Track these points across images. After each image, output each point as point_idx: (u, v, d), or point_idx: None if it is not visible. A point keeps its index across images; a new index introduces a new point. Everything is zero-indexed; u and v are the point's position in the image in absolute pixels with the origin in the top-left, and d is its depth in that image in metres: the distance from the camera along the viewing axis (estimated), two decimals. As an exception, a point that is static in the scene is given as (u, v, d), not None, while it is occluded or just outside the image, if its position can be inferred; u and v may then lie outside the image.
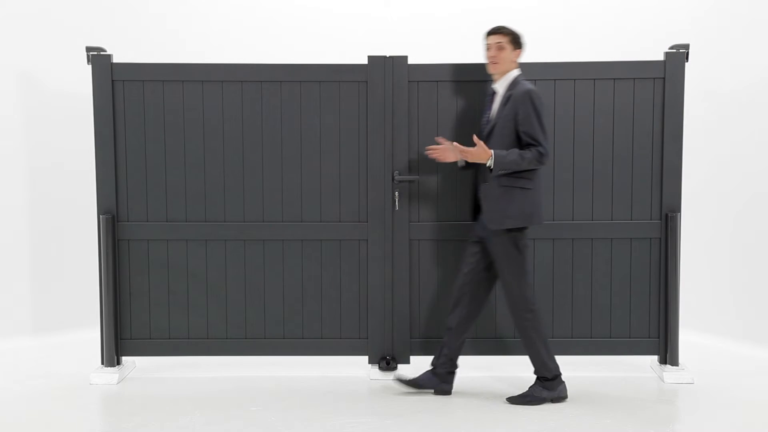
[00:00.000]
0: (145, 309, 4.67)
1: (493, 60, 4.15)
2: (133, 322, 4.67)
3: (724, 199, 5.57)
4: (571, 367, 4.77)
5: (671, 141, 4.58)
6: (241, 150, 4.63)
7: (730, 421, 3.94)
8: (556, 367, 4.19)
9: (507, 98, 4.10)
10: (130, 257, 4.64)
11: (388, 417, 3.99)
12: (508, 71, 4.17)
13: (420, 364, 4.55)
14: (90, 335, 5.40)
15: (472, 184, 4.33)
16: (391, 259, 4.61)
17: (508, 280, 4.15)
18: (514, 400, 4.19)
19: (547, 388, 4.18)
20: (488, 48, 4.18)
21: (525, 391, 4.22)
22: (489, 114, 4.21)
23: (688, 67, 4.60)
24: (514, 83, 4.14)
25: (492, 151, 4.00)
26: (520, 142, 4.07)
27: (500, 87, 4.17)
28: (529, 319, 4.16)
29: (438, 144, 4.30)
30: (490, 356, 4.74)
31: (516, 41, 4.17)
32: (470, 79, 4.60)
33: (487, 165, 4.02)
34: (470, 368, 4.74)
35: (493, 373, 4.69)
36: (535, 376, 4.23)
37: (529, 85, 4.11)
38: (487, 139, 4.13)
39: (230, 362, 4.85)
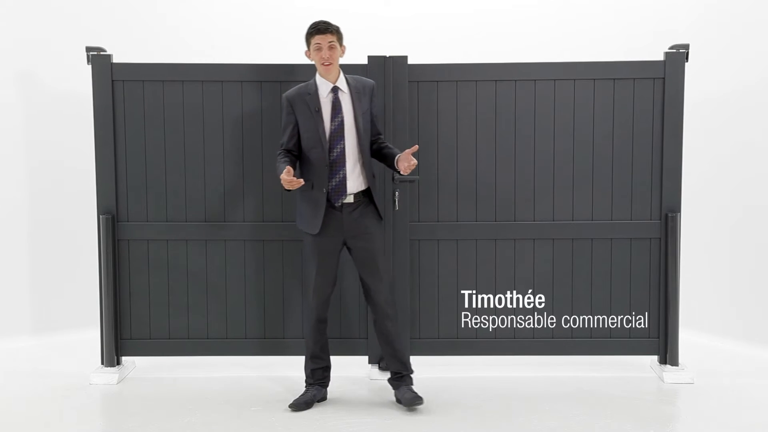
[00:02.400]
0: (145, 309, 4.67)
1: (328, 61, 3.95)
2: (133, 322, 4.68)
3: (724, 199, 5.57)
4: (571, 367, 4.78)
5: (671, 141, 4.58)
6: (241, 150, 4.63)
7: (730, 421, 3.94)
8: None
9: (360, 92, 4.04)
10: (130, 257, 4.64)
11: (388, 417, 3.99)
12: (338, 68, 4.05)
13: (420, 364, 4.54)
14: (90, 335, 5.40)
15: (323, 191, 4.00)
16: (391, 259, 4.61)
17: (386, 271, 4.10)
18: (416, 401, 4.00)
19: (412, 383, 4.16)
20: (318, 48, 3.95)
21: (414, 393, 4.06)
22: (341, 115, 3.98)
23: (688, 67, 4.60)
24: (352, 78, 4.09)
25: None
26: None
27: (342, 84, 4.03)
28: (397, 312, 4.17)
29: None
30: (489, 356, 4.75)
31: (341, 37, 4.05)
32: (470, 79, 4.60)
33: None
34: (468, 368, 4.74)
35: (491, 373, 4.69)
36: (388, 377, 4.21)
37: (367, 78, 4.17)
38: (363, 137, 4.01)
39: (230, 362, 4.85)
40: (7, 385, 4.56)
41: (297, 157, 4.12)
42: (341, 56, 4.07)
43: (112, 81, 4.57)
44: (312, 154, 4.02)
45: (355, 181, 4.02)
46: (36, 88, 5.64)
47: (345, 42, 4.10)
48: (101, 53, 4.57)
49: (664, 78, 4.56)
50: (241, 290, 4.68)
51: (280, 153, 4.10)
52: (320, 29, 3.97)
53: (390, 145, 4.19)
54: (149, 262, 4.65)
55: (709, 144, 5.57)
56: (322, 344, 4.18)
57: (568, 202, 4.63)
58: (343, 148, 3.99)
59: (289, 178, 3.84)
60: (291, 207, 4.64)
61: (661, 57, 4.59)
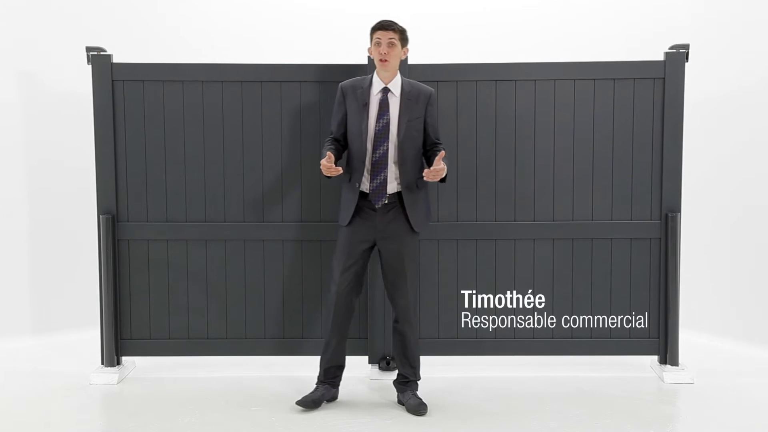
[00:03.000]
0: (145, 309, 4.67)
1: (385, 57, 3.95)
2: (133, 322, 4.68)
3: (724, 199, 5.57)
4: (571, 367, 4.78)
5: (671, 141, 4.58)
6: (241, 150, 4.63)
7: (730, 421, 3.94)
8: None
9: (412, 99, 4.02)
10: (130, 257, 4.64)
11: (388, 417, 3.99)
12: (396, 69, 4.05)
13: (420, 364, 4.53)
14: (90, 335, 5.40)
15: (353, 189, 4.05)
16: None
17: (412, 282, 4.09)
18: (420, 408, 4.00)
19: (417, 389, 4.16)
20: (378, 44, 3.97)
21: (419, 399, 4.06)
22: (387, 116, 3.99)
23: (688, 67, 4.60)
24: (408, 83, 4.07)
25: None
26: (425, 142, 4.09)
27: (395, 87, 4.04)
28: (418, 319, 4.12)
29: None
30: (489, 356, 4.75)
31: (405, 38, 4.06)
32: (470, 79, 4.60)
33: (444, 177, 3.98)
34: (468, 368, 4.74)
35: (491, 373, 4.69)
36: (396, 384, 4.20)
37: (425, 85, 4.13)
38: (403, 143, 3.98)
39: (230, 362, 4.85)
40: (7, 385, 4.56)
41: (344, 147, 4.13)
42: (402, 57, 4.07)
43: (112, 81, 4.57)
44: (353, 147, 4.05)
45: (392, 184, 4.03)
46: (36, 88, 5.64)
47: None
48: (101, 53, 4.57)
49: (664, 78, 4.56)
50: (241, 290, 4.68)
51: (327, 140, 4.12)
52: (383, 25, 4.00)
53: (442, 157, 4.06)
54: (149, 262, 4.65)
55: (709, 144, 5.57)
56: (340, 342, 4.14)
57: (568, 202, 4.63)
58: (386, 150, 3.99)
59: (328, 164, 3.87)
60: (291, 207, 4.64)
61: (661, 57, 4.59)
